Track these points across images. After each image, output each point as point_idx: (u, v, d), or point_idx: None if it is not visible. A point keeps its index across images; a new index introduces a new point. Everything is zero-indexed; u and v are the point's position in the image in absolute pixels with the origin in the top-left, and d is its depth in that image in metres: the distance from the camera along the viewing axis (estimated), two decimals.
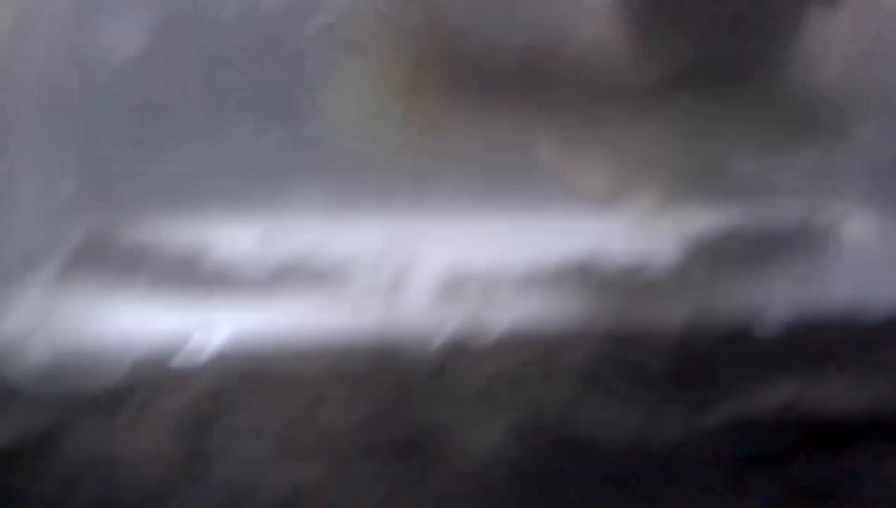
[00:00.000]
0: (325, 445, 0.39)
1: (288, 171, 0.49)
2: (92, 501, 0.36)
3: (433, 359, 0.44)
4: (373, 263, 0.47)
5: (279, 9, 0.47)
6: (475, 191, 0.48)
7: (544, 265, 0.47)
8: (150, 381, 0.42)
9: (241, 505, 0.36)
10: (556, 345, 0.45)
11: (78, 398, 0.41)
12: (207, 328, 0.43)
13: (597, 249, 0.48)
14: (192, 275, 0.47)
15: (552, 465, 0.39)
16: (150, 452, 0.38)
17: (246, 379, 0.42)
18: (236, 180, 0.50)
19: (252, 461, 0.38)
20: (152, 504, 0.36)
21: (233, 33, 0.48)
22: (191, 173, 0.50)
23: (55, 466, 0.38)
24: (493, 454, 0.39)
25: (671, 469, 0.38)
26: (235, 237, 0.48)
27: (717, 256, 0.49)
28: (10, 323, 0.43)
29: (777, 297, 0.46)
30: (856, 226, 0.53)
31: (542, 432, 0.40)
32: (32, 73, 0.47)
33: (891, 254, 0.50)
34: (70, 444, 0.39)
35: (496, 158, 0.48)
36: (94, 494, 0.36)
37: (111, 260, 0.48)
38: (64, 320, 0.43)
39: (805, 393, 0.42)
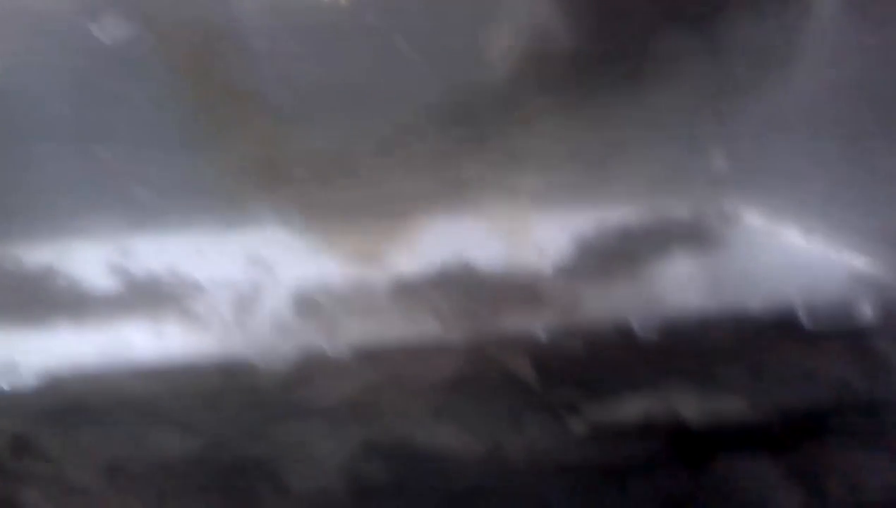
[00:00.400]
0: (151, 473, 0.36)
1: (135, 195, 0.47)
2: None
3: (284, 376, 0.41)
4: (221, 283, 0.45)
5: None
6: (329, 207, 0.46)
7: (405, 275, 0.45)
8: None
9: None
10: (417, 356, 0.42)
11: None
12: (43, 350, 0.40)
13: (460, 257, 0.46)
14: (35, 297, 0.44)
15: (404, 480, 0.36)
16: None
17: (76, 404, 0.39)
18: (86, 203, 0.48)
19: (70, 492, 0.35)
20: None
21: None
22: (38, 195, 0.48)
23: None
24: (343, 470, 0.36)
25: (523, 482, 0.36)
26: (83, 259, 0.46)
27: (593, 258, 0.47)
28: None
29: (652, 300, 0.44)
30: (741, 228, 0.52)
31: (395, 447, 0.38)
32: None
33: (775, 256, 0.49)
34: None
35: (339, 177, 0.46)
36: None
37: None
38: None
39: (671, 400, 0.40)
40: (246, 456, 0.37)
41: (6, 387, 0.39)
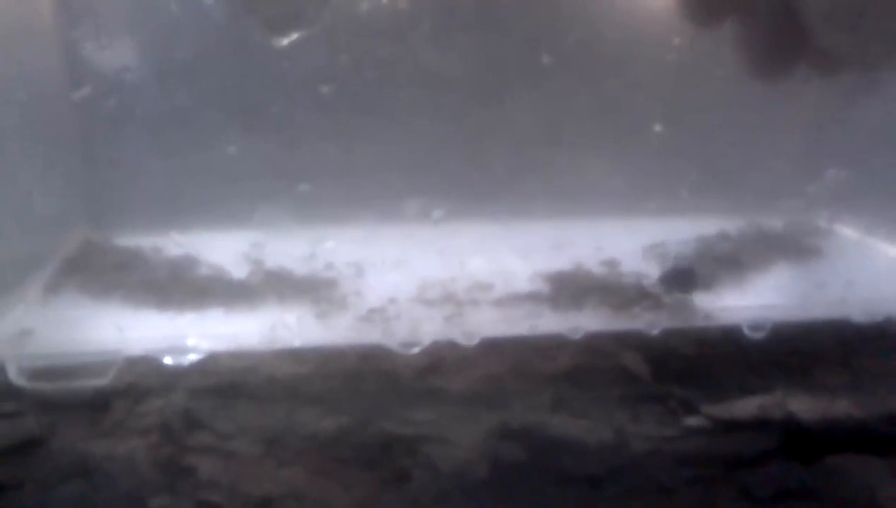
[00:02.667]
0: (306, 447, 0.40)
1: (271, 187, 0.50)
2: (73, 503, 0.37)
3: (415, 364, 0.44)
4: (354, 274, 0.48)
5: None
6: (457, 206, 0.49)
7: (524, 276, 0.48)
8: (136, 383, 0.43)
9: (222, 506, 0.37)
10: (536, 351, 0.45)
11: (71, 397, 0.42)
12: (195, 333, 0.44)
13: (577, 260, 0.49)
14: (181, 284, 0.48)
15: (538, 460, 0.39)
16: (133, 452, 0.39)
17: (229, 384, 0.43)
18: (222, 195, 0.51)
19: (234, 461, 0.39)
20: (134, 505, 0.37)
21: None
22: (177, 188, 0.52)
23: (41, 465, 0.39)
24: (474, 454, 0.40)
25: (647, 469, 0.39)
26: (222, 248, 0.50)
27: (703, 262, 0.50)
28: (9, 324, 0.44)
29: (763, 304, 0.46)
30: (838, 237, 0.54)
31: (526, 430, 0.41)
32: (23, 99, 0.48)
33: (870, 263, 0.51)
34: (57, 443, 0.40)
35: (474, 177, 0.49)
36: (77, 495, 0.37)
37: (102, 267, 0.49)
38: (55, 324, 0.45)
39: (784, 399, 0.42)
40: (390, 434, 0.41)
41: (172, 363, 0.43)
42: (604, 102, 0.51)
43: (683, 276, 0.47)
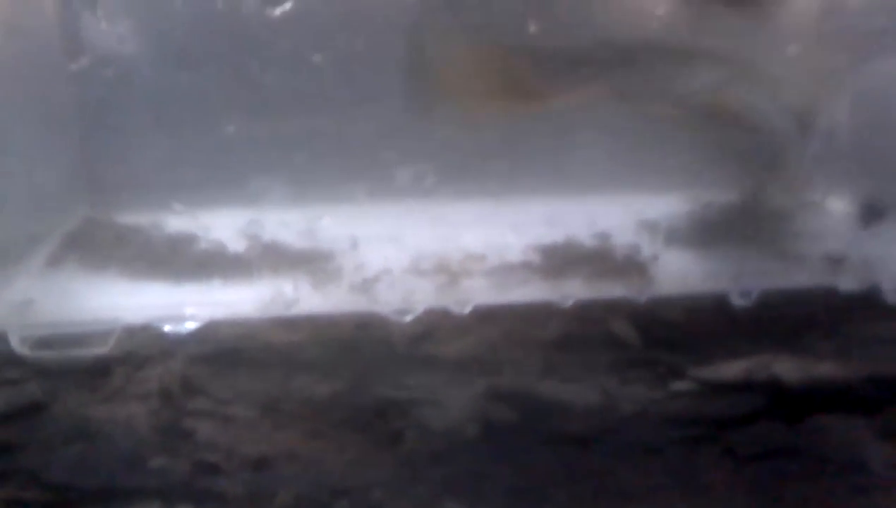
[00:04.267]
0: (301, 411, 0.41)
1: (270, 163, 0.51)
2: (75, 463, 0.38)
3: (409, 332, 0.45)
4: (349, 247, 0.49)
5: None
6: (452, 179, 0.50)
7: (516, 245, 0.49)
8: (136, 351, 0.44)
9: (219, 466, 0.38)
10: (527, 318, 0.46)
11: (72, 365, 0.43)
12: (193, 302, 0.45)
13: (566, 231, 0.50)
14: (180, 257, 0.49)
15: (528, 422, 0.40)
16: (133, 416, 0.40)
17: (227, 351, 0.44)
18: (223, 170, 0.52)
19: (232, 425, 0.40)
20: (129, 468, 0.38)
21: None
22: (181, 163, 0.53)
23: (44, 428, 0.40)
24: (465, 415, 0.41)
25: (635, 429, 0.40)
26: (219, 225, 0.50)
27: (691, 233, 0.50)
28: (10, 296, 0.45)
29: (748, 273, 0.47)
30: (828, 209, 0.55)
31: (516, 394, 0.42)
32: (23, 75, 0.49)
33: (859, 234, 0.51)
34: (59, 408, 0.41)
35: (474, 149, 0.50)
36: (78, 455, 0.38)
37: (103, 242, 0.50)
38: (56, 296, 0.46)
39: (769, 362, 0.43)
40: (384, 398, 0.42)
41: (170, 332, 0.44)
42: None
43: (873, 211, 0.50)
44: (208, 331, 0.44)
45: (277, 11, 0.45)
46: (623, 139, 0.55)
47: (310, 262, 0.48)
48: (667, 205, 0.54)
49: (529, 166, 0.54)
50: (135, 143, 0.54)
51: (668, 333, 0.46)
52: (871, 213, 0.51)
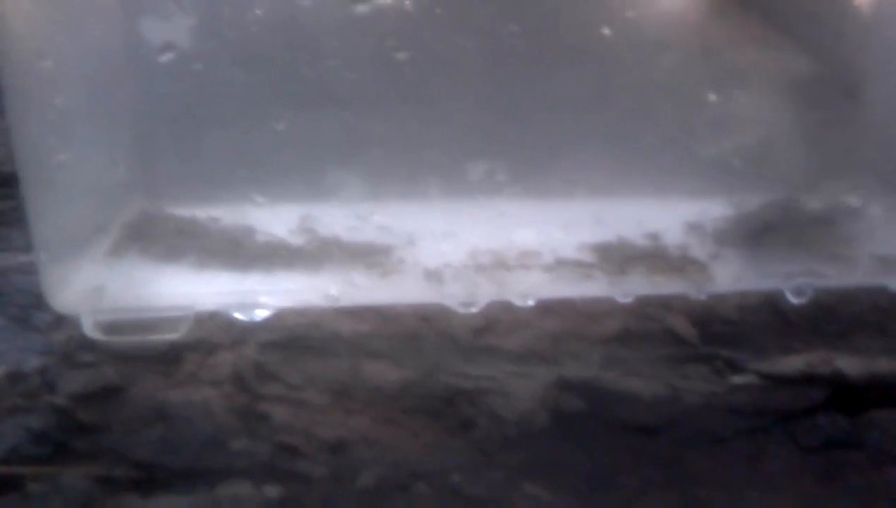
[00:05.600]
0: (372, 397, 0.42)
1: (328, 159, 0.52)
2: (158, 443, 0.39)
3: (472, 324, 0.46)
4: (406, 242, 0.50)
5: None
6: (513, 177, 0.51)
7: (569, 243, 0.50)
8: (207, 338, 0.44)
9: (299, 449, 0.39)
10: (585, 313, 0.47)
11: (144, 350, 0.44)
12: (264, 291, 0.46)
13: (615, 231, 0.51)
14: (242, 249, 0.50)
15: (597, 411, 0.41)
16: (209, 400, 0.41)
17: (296, 339, 0.45)
18: (272, 169, 0.53)
19: (305, 410, 0.41)
20: (211, 449, 0.39)
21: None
22: (237, 159, 0.54)
23: (123, 410, 0.40)
24: (534, 404, 0.41)
25: (700, 420, 0.41)
26: (274, 220, 0.51)
27: (745, 233, 0.51)
28: (81, 282, 0.45)
29: (800, 273, 0.48)
30: (878, 208, 0.56)
31: (583, 385, 0.43)
32: (86, 74, 0.50)
33: None
34: (135, 391, 0.41)
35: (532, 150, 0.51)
36: (160, 437, 0.39)
37: (161, 236, 0.51)
38: (125, 283, 0.46)
39: (829, 357, 0.44)
40: (452, 387, 0.42)
41: (245, 319, 0.44)
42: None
43: None
44: (276, 320, 0.45)
45: (359, 9, 0.47)
46: (667, 143, 0.56)
47: (369, 255, 0.49)
48: (709, 209, 0.55)
49: (584, 167, 0.55)
50: (189, 138, 0.55)
51: (725, 329, 0.47)
52: None
